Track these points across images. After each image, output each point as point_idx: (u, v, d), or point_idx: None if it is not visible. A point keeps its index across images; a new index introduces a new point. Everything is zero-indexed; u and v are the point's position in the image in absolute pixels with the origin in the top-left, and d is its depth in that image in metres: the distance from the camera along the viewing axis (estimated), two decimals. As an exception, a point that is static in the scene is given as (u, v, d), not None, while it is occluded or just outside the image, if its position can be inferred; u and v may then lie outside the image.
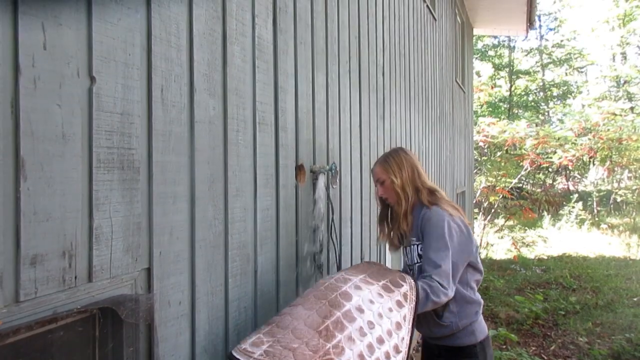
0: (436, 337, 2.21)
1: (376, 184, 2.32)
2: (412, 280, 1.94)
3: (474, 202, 10.21)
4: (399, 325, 1.83)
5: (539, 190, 16.34)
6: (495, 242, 10.36)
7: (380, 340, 1.70)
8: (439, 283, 1.98)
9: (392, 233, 2.36)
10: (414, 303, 1.88)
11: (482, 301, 2.23)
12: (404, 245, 2.31)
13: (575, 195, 15.31)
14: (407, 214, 2.21)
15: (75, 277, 1.10)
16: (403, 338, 1.82)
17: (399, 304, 1.86)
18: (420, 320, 2.16)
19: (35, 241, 1.00)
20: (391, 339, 1.76)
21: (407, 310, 1.87)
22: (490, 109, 22.08)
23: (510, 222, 11.26)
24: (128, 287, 1.26)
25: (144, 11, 1.30)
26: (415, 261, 2.18)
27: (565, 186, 18.20)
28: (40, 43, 1.00)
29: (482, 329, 2.21)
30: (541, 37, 26.62)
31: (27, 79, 0.98)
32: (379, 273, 1.95)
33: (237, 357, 1.43)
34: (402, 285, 1.90)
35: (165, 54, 1.37)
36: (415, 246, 2.19)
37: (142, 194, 1.29)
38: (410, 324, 1.85)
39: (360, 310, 1.70)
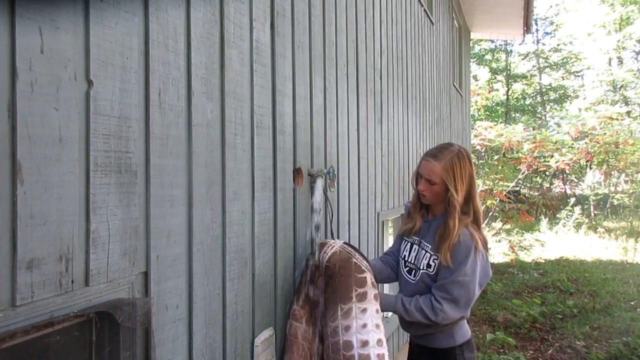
0: (417, 336, 2.23)
1: (421, 175, 2.14)
2: (367, 265, 2.07)
3: (472, 205, 10.19)
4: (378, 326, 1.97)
5: (536, 193, 16.37)
6: (493, 245, 10.37)
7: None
8: (441, 304, 2.03)
9: (412, 225, 2.28)
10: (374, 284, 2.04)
11: (468, 314, 2.18)
12: (411, 240, 2.28)
13: (573, 199, 15.35)
14: (448, 234, 2.06)
15: (72, 281, 1.09)
16: (378, 324, 1.98)
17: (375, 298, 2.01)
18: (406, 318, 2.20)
19: (32, 245, 1.00)
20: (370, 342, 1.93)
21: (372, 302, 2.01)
22: (488, 113, 22.14)
23: (508, 226, 11.27)
24: (125, 291, 1.25)
25: (142, 15, 1.30)
26: (422, 268, 2.15)
27: (562, 190, 18.24)
28: (37, 47, 1.00)
29: (463, 333, 2.18)
30: (538, 41, 26.75)
31: (24, 82, 0.98)
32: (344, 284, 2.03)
33: None
34: (366, 282, 2.03)
35: (163, 57, 1.37)
36: (428, 254, 2.14)
37: (139, 198, 1.29)
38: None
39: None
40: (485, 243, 2.11)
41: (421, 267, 2.16)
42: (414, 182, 2.26)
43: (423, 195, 2.17)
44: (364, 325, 1.95)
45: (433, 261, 2.12)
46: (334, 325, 1.96)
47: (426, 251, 2.16)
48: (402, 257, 2.31)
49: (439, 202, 2.17)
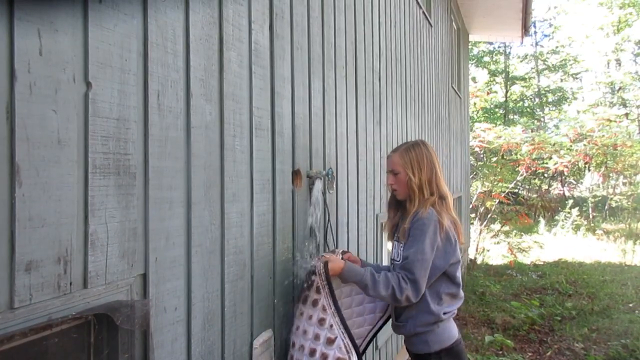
0: (404, 338, 2.25)
1: (389, 172, 2.27)
2: (317, 263, 2.05)
3: (470, 207, 10.22)
4: (322, 321, 1.96)
5: (534, 195, 16.38)
6: (492, 247, 10.37)
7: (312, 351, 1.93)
8: (407, 283, 2.01)
9: (393, 223, 2.34)
10: (322, 277, 2.01)
11: (444, 318, 2.13)
12: (395, 239, 2.31)
13: (571, 201, 15.35)
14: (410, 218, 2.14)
15: (71, 283, 1.09)
16: (331, 325, 1.95)
17: (314, 303, 2.00)
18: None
19: (30, 247, 1.00)
20: (319, 340, 1.93)
21: (322, 297, 1.99)
22: (486, 115, 22.16)
23: (506, 228, 11.27)
24: (124, 293, 1.25)
25: (141, 17, 1.31)
26: (397, 259, 2.20)
27: (561, 192, 18.25)
28: (36, 49, 1.00)
29: (439, 340, 2.13)
30: (536, 43, 26.78)
31: (23, 84, 0.98)
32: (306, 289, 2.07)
33: None
34: (312, 278, 2.04)
35: (161, 59, 1.37)
36: (400, 244, 2.19)
37: (138, 200, 1.29)
38: (331, 301, 2.00)
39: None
40: (454, 223, 2.15)
41: (397, 259, 2.20)
42: (387, 184, 2.35)
43: (394, 190, 2.26)
44: (297, 328, 2.03)
45: (400, 249, 2.17)
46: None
47: (397, 242, 2.23)
48: (391, 256, 2.36)
49: (408, 195, 2.22)
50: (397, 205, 2.33)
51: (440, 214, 2.09)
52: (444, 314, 2.12)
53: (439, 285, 2.13)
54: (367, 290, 2.04)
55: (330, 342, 1.91)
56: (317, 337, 1.93)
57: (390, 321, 2.33)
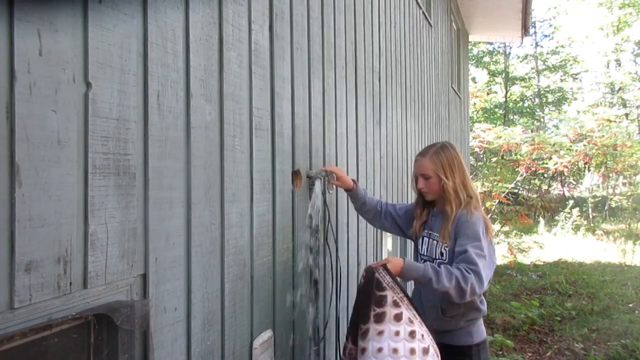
0: (434, 331, 2.16)
1: (418, 175, 2.28)
2: (380, 276, 1.93)
3: (470, 207, 10.18)
4: (412, 333, 1.89)
5: (534, 195, 16.37)
6: (491, 247, 10.34)
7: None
8: (470, 274, 1.96)
9: (420, 222, 2.38)
10: (396, 289, 1.92)
11: (486, 311, 2.26)
12: (422, 234, 2.35)
13: (571, 201, 15.34)
14: (454, 220, 2.17)
15: (70, 284, 1.09)
16: (423, 335, 1.90)
17: (397, 318, 1.89)
18: (424, 309, 2.20)
19: (30, 247, 1.00)
20: (416, 354, 1.86)
21: (404, 309, 1.90)
22: (486, 115, 22.16)
23: (506, 228, 11.27)
24: (123, 294, 1.25)
25: (140, 17, 1.31)
26: (437, 257, 2.22)
27: (561, 192, 18.23)
28: (35, 49, 1.00)
29: (480, 332, 2.25)
30: (536, 43, 26.78)
31: (23, 84, 0.98)
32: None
33: None
34: (379, 294, 1.91)
35: (161, 59, 1.37)
36: (439, 243, 2.22)
37: (138, 200, 1.29)
38: (414, 311, 1.93)
39: None
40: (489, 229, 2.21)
41: (435, 257, 2.23)
42: (414, 185, 2.37)
43: (425, 193, 2.30)
44: (380, 350, 1.84)
45: (444, 249, 2.19)
46: (355, 347, 1.92)
47: (437, 241, 2.25)
48: (418, 251, 2.39)
49: (440, 196, 2.26)
50: (425, 205, 2.38)
51: (486, 220, 2.16)
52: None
53: None
54: (431, 284, 1.97)
55: (425, 352, 1.88)
56: (412, 351, 1.84)
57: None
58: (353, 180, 2.53)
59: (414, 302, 2.01)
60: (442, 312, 2.21)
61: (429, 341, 1.91)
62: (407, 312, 1.89)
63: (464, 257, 2.03)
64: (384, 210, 2.59)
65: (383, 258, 3.86)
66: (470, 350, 2.20)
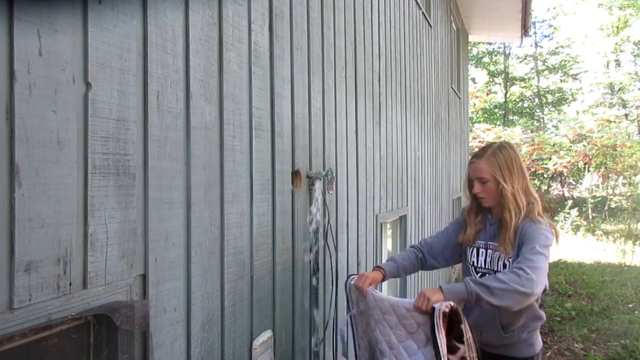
0: (493, 345, 2.08)
1: (473, 179, 2.09)
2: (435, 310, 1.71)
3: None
4: None
5: (534, 196, 16.34)
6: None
7: None
8: (530, 270, 1.77)
9: (475, 230, 2.16)
10: (471, 342, 1.75)
11: (545, 318, 2.11)
12: (476, 245, 2.16)
13: (570, 202, 15.35)
14: (515, 229, 1.98)
15: (70, 284, 1.09)
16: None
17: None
18: (481, 327, 2.02)
19: (30, 247, 1.00)
20: None
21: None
22: (486, 115, 22.19)
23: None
24: (123, 294, 1.25)
25: (140, 18, 1.31)
26: (499, 270, 2.03)
27: (560, 192, 18.24)
28: (35, 49, 1.00)
29: (540, 341, 2.12)
30: (536, 44, 26.78)
31: (23, 85, 0.98)
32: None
33: None
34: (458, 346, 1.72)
35: (161, 60, 1.37)
36: (502, 255, 2.03)
37: (137, 200, 1.29)
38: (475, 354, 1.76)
39: None
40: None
41: (497, 269, 2.05)
42: (466, 190, 2.20)
43: (482, 198, 2.10)
44: None
45: (507, 260, 2.01)
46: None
47: (497, 252, 2.07)
48: (471, 263, 2.18)
49: (498, 202, 2.07)
50: (479, 210, 2.18)
51: (554, 226, 2.01)
52: None
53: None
54: (480, 301, 1.76)
55: None
56: None
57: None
58: (377, 269, 2.15)
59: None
60: (502, 329, 2.03)
61: None
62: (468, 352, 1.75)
63: (524, 256, 1.85)
64: (426, 255, 2.28)
65: (383, 257, 3.85)
66: None
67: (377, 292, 1.90)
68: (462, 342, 1.72)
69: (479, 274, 2.12)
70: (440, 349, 1.66)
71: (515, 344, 2.06)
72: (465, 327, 1.73)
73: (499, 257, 2.05)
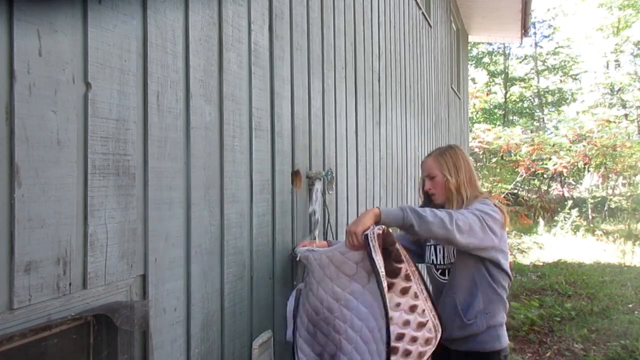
0: (455, 339, 2.08)
1: (424, 177, 2.25)
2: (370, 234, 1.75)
3: (470, 208, 10.20)
4: (413, 307, 1.82)
5: (534, 196, 16.38)
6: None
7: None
8: (457, 219, 1.87)
9: None
10: (410, 263, 1.83)
11: (506, 302, 2.12)
12: (433, 242, 2.21)
13: (570, 202, 15.35)
14: None
15: (70, 284, 1.09)
16: (424, 310, 1.82)
17: (404, 291, 1.82)
18: (444, 322, 2.00)
19: (30, 248, 0.99)
20: (409, 326, 1.79)
21: (413, 283, 1.82)
22: (486, 116, 22.19)
23: (506, 228, 11.27)
24: (123, 294, 1.25)
25: (140, 18, 1.31)
26: (452, 260, 2.12)
27: (560, 192, 18.25)
28: (35, 49, 1.00)
29: (506, 338, 2.11)
30: (536, 44, 26.78)
31: (22, 85, 0.98)
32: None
33: None
34: (396, 265, 1.79)
35: (161, 60, 1.37)
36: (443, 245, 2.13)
37: (137, 200, 1.29)
38: (423, 286, 1.84)
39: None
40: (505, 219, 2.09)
41: (452, 261, 2.13)
42: (420, 190, 2.31)
43: (432, 195, 2.23)
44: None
45: (455, 250, 2.11)
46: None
47: (442, 245, 2.16)
48: (431, 262, 2.25)
49: (447, 197, 2.18)
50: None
51: (502, 208, 2.09)
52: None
53: (497, 274, 2.07)
54: (412, 228, 1.85)
55: (421, 325, 1.82)
56: (406, 322, 1.81)
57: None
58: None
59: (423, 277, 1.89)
60: (464, 315, 2.07)
61: (429, 317, 1.83)
62: (415, 286, 1.83)
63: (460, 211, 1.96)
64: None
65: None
66: (499, 356, 2.07)
67: (315, 251, 1.91)
68: (402, 261, 1.80)
69: (439, 270, 2.20)
70: (378, 269, 1.70)
71: (478, 334, 2.05)
72: (399, 246, 1.80)
73: (453, 249, 2.11)
